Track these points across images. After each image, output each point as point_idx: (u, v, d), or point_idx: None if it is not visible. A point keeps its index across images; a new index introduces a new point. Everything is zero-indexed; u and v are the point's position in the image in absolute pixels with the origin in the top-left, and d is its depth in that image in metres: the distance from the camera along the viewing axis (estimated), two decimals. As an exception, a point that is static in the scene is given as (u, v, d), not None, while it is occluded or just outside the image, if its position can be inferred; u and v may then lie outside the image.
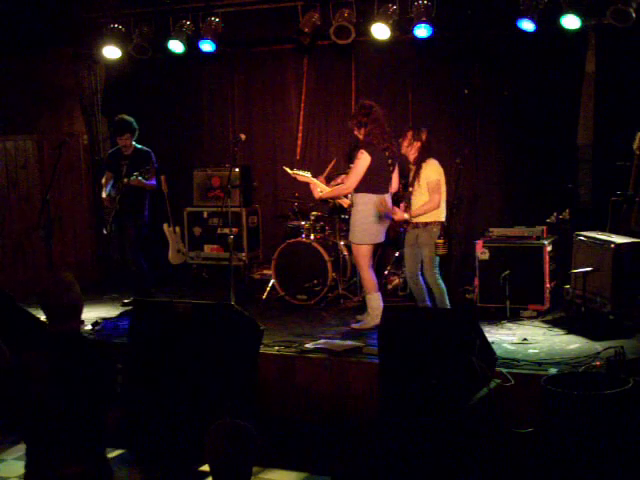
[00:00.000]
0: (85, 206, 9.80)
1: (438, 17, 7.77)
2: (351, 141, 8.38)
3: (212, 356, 5.66)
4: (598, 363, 5.67)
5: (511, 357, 6.07)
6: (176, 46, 8.70)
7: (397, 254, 8.22)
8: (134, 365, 5.87)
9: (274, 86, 9.56)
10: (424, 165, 6.95)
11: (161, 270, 9.06)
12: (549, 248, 7.39)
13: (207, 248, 9.36)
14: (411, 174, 7.07)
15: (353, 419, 6.07)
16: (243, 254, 9.17)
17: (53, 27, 9.30)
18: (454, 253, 8.12)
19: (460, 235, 8.45)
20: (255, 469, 3.40)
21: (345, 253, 8.16)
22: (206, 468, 3.27)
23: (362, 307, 7.49)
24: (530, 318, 7.26)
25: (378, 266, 7.80)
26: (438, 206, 6.89)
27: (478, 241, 7.60)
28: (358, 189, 7.04)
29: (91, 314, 7.96)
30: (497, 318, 7.22)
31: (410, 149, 7.03)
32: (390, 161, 7.08)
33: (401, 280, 8.14)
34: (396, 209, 7.07)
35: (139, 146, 8.16)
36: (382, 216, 7.00)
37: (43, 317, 3.91)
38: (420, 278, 7.04)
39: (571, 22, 7.30)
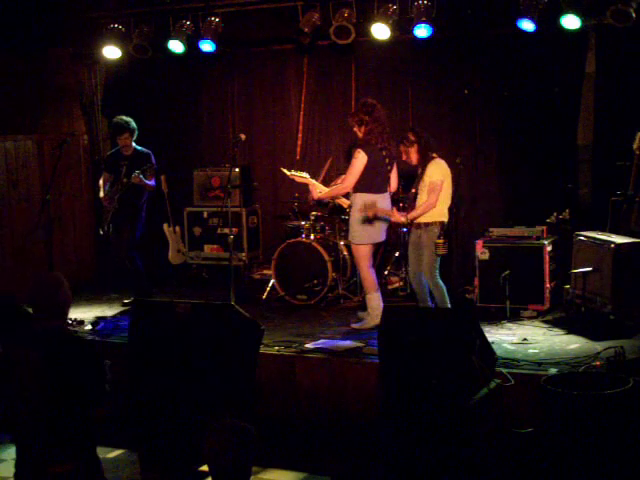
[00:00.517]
0: (85, 206, 9.80)
1: (438, 17, 7.78)
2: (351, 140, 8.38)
3: (212, 356, 5.65)
4: (598, 363, 5.67)
5: (511, 357, 6.07)
6: (176, 46, 8.70)
7: (397, 254, 8.22)
8: (134, 365, 5.87)
9: (274, 86, 9.56)
10: (429, 164, 6.85)
11: (161, 270, 9.07)
12: (549, 248, 7.39)
13: (207, 248, 9.36)
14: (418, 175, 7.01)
15: (353, 419, 6.06)
16: (243, 254, 9.17)
17: (53, 27, 9.31)
18: (454, 253, 8.11)
19: (460, 235, 8.45)
20: (255, 469, 3.41)
21: (345, 253, 8.16)
22: (206, 468, 3.27)
23: (362, 307, 7.48)
24: (530, 318, 7.26)
25: (378, 266, 7.80)
26: (434, 206, 6.78)
27: (478, 241, 7.60)
28: (356, 189, 7.03)
29: (91, 314, 7.97)
30: (497, 318, 7.22)
31: (410, 156, 6.94)
32: (388, 160, 7.06)
33: (401, 280, 8.14)
34: (394, 211, 7.02)
35: (139, 147, 8.16)
36: (368, 218, 6.94)
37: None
38: (423, 277, 7.01)
39: (571, 22, 7.31)
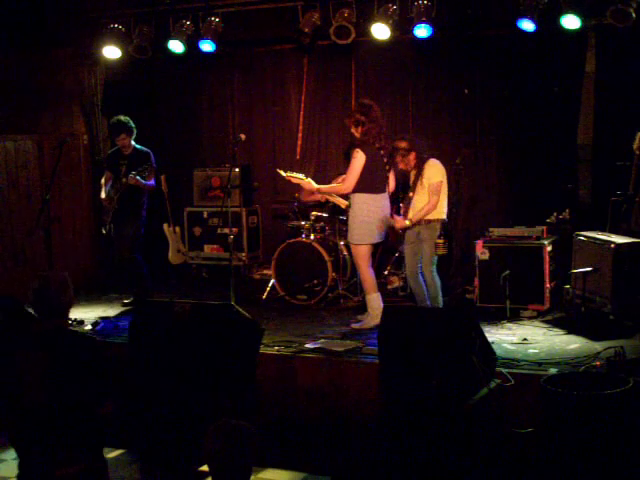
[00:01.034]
0: (85, 206, 9.79)
1: (438, 17, 7.77)
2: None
3: (212, 356, 5.65)
4: (598, 363, 5.66)
5: (511, 357, 6.06)
6: (176, 46, 8.70)
7: (397, 254, 8.22)
8: (134, 365, 5.87)
9: (274, 86, 9.56)
10: (426, 166, 6.90)
11: (161, 270, 9.07)
12: (549, 248, 7.38)
13: (207, 248, 9.36)
14: (411, 178, 7.03)
15: (353, 419, 6.06)
16: (243, 254, 9.17)
17: (53, 27, 9.30)
18: (454, 253, 8.11)
19: (460, 235, 8.45)
20: (255, 469, 3.40)
21: (345, 253, 8.16)
22: (206, 468, 3.26)
23: (362, 307, 7.48)
24: (530, 318, 7.26)
25: (378, 266, 7.80)
26: (435, 208, 6.87)
27: (478, 241, 7.59)
28: (355, 189, 7.04)
29: (91, 314, 7.97)
30: (497, 318, 7.21)
31: (409, 163, 6.96)
32: (386, 160, 7.08)
33: (401, 280, 8.14)
34: (397, 218, 7.03)
35: (139, 147, 8.15)
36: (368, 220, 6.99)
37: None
38: (420, 277, 7.03)
39: (571, 22, 7.31)
